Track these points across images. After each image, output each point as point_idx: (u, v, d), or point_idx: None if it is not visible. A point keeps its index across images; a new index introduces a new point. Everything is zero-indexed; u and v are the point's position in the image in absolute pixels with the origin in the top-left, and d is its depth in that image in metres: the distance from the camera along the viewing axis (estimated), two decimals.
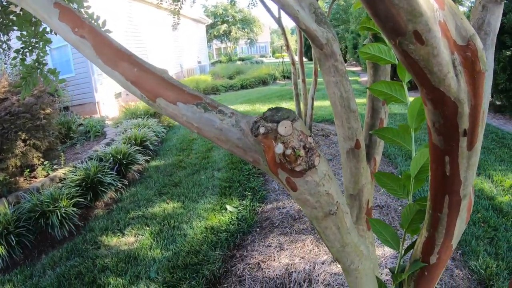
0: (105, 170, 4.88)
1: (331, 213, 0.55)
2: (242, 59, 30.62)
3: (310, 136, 0.51)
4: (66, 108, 9.10)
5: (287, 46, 6.44)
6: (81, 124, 7.59)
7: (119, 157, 5.26)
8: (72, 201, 4.12)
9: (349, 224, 0.61)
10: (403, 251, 0.95)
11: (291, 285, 2.90)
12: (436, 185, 0.70)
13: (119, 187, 4.87)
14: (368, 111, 1.18)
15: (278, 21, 6.16)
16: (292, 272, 3.04)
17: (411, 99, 0.94)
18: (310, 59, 21.86)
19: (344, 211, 0.58)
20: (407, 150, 0.95)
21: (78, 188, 4.44)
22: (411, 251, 0.95)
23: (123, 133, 6.60)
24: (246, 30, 38.73)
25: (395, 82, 0.95)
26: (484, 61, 0.51)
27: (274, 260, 3.20)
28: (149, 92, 0.57)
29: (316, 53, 0.98)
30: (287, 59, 16.46)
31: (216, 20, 36.08)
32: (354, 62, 22.18)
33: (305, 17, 0.89)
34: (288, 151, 0.49)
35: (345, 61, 20.11)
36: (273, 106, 0.55)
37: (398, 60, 0.94)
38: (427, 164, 0.85)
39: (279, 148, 0.49)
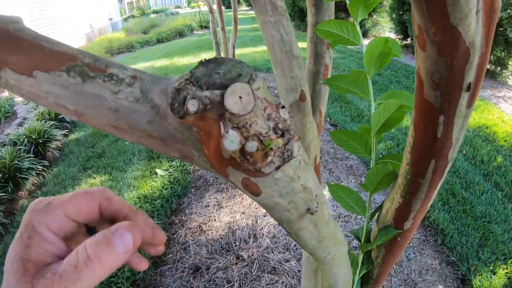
0: (22, 154, 4.35)
1: (310, 212, 0.38)
2: (156, 12, 29.16)
3: (278, 104, 0.30)
4: None
5: None
6: None
7: (34, 136, 4.70)
8: None
9: (327, 216, 0.45)
10: (369, 217, 0.83)
11: (237, 243, 2.82)
12: (422, 148, 0.56)
13: (40, 170, 4.38)
14: (310, 56, 1.01)
15: None
16: (235, 229, 2.96)
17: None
18: (228, 7, 21.26)
19: (323, 202, 0.42)
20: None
21: None
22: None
23: (35, 109, 5.92)
24: None
25: (346, 22, 0.78)
26: None
27: (215, 220, 3.10)
28: None
29: None
30: (203, 8, 15.86)
31: None
32: None
33: None
34: (251, 145, 0.27)
35: None
36: (207, 58, 0.30)
37: None
38: (391, 118, 0.71)
39: (231, 141, 0.27)
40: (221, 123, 0.27)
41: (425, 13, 0.36)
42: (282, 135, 0.29)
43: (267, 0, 0.77)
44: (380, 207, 0.80)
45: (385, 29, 10.37)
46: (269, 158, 0.29)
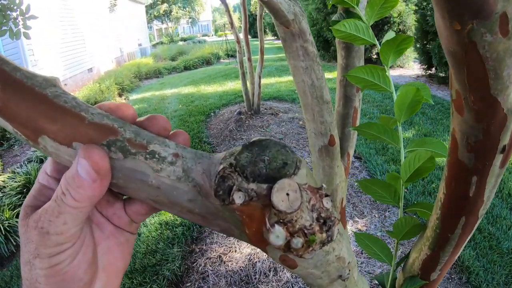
0: None
1: (342, 278, 0.38)
2: (184, 39, 29.95)
3: (321, 190, 0.30)
4: None
5: (231, 24, 6.21)
6: None
7: None
8: (15, 211, 3.71)
9: (357, 277, 0.45)
10: (395, 265, 0.81)
11: (257, 276, 2.78)
12: (452, 205, 0.55)
13: None
14: (339, 99, 1.02)
15: None
16: (256, 262, 2.92)
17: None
18: (254, 37, 21.66)
19: (353, 266, 0.42)
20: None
21: (20, 196, 4.00)
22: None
23: None
24: (187, 9, 37.66)
25: (376, 67, 0.79)
26: None
27: (235, 251, 3.07)
28: (26, 126, 0.31)
29: (280, 32, 0.80)
30: (230, 37, 16.18)
31: None
32: None
33: None
34: (297, 242, 0.27)
35: None
36: (251, 141, 0.31)
37: (379, 42, 0.78)
38: (422, 168, 0.71)
39: (277, 236, 0.27)
40: (266, 216, 0.27)
41: (465, 83, 0.36)
42: (324, 223, 0.29)
43: (299, 46, 0.79)
44: (406, 256, 0.79)
45: (410, 58, 10.34)
46: (311, 248, 0.29)
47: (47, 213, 0.32)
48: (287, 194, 0.27)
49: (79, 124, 0.31)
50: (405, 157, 0.75)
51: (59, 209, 0.31)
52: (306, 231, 0.28)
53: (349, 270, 0.38)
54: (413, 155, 0.71)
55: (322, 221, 0.29)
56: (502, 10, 0.30)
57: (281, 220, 0.27)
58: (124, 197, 0.39)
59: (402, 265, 0.82)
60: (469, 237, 0.63)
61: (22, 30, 2.69)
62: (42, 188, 0.36)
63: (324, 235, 0.29)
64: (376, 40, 0.79)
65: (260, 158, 0.29)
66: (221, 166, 0.29)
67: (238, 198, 0.27)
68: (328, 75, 9.62)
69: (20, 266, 0.34)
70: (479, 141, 0.42)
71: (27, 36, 2.70)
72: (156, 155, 0.31)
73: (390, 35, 0.78)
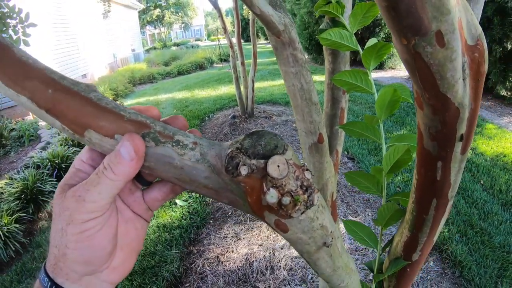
0: (44, 177, 4.51)
1: (326, 245, 0.47)
2: (177, 44, 30.00)
3: (303, 166, 0.40)
4: None
5: (225, 29, 6.29)
6: (13, 129, 6.96)
7: (57, 161, 4.86)
8: (13, 217, 3.77)
9: (340, 248, 0.53)
10: (381, 250, 0.90)
11: (254, 275, 2.85)
12: (423, 189, 0.64)
13: None
14: (327, 100, 1.10)
15: (215, 3, 5.98)
16: (253, 261, 2.99)
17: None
18: (247, 41, 21.75)
19: (337, 237, 0.50)
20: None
21: (18, 201, 4.06)
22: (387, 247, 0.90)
23: (59, 134, 6.14)
24: (180, 14, 37.77)
25: (359, 71, 0.87)
26: (487, 62, 0.45)
27: (232, 251, 3.14)
28: (74, 122, 0.39)
29: (272, 41, 0.88)
30: (223, 41, 16.25)
31: (148, 5, 34.82)
32: None
33: (259, 0, 0.79)
34: (286, 199, 0.37)
35: None
36: (252, 131, 0.42)
37: (361, 47, 0.87)
38: (400, 160, 0.80)
39: (271, 196, 0.37)
40: (264, 183, 0.38)
41: (419, 84, 0.45)
42: (306, 190, 0.39)
43: (289, 53, 0.87)
44: (391, 241, 0.87)
45: (400, 61, 10.44)
46: (297, 207, 0.39)
47: (86, 184, 0.41)
48: (278, 166, 0.37)
49: (119, 121, 0.40)
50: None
51: (98, 180, 0.40)
52: (292, 193, 0.38)
53: (332, 239, 0.47)
54: (392, 149, 0.80)
55: (304, 188, 0.39)
56: (437, 29, 0.38)
57: (274, 185, 0.37)
58: (143, 187, 0.48)
59: (387, 250, 0.90)
60: (443, 219, 0.71)
61: (22, 37, 2.76)
62: (77, 172, 0.45)
63: (306, 196, 0.39)
64: (359, 47, 0.88)
65: (258, 143, 0.39)
66: (230, 150, 0.39)
67: (244, 170, 0.38)
68: (321, 77, 9.73)
69: (50, 238, 0.42)
70: (439, 131, 0.50)
71: (26, 44, 2.78)
72: (180, 143, 0.41)
73: (372, 41, 0.87)
